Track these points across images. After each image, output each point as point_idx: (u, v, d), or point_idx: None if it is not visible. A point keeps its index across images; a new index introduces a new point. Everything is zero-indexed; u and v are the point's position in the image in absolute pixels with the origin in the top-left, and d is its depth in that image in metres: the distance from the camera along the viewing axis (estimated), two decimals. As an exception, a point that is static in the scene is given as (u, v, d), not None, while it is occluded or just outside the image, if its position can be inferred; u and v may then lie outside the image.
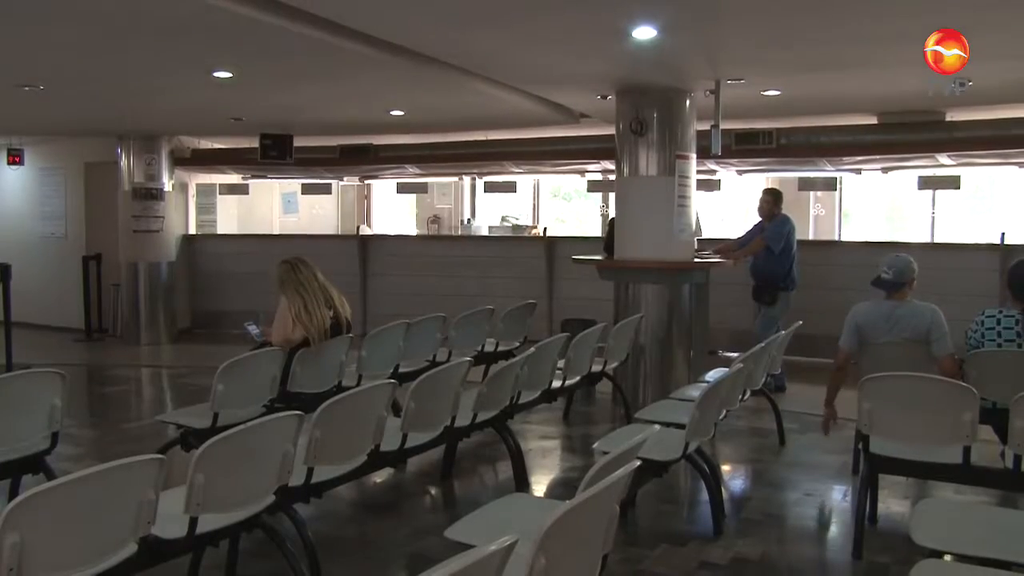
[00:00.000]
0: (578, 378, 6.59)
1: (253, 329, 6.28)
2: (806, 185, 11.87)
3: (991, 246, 9.30)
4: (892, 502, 5.30)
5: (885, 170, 10.82)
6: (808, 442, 6.77)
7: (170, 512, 3.18)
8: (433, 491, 5.86)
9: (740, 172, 11.33)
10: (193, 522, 3.27)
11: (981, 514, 4.26)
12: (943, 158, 9.95)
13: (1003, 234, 9.33)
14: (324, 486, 4.20)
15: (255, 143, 11.61)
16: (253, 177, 13.55)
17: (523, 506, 3.88)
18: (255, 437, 3.48)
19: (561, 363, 6.23)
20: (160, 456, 3.00)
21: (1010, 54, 6.56)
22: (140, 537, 3.00)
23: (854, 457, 5.80)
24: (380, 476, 5.80)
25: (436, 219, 14.52)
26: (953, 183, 10.72)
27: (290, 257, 6.06)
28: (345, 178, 14.02)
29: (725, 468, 6.38)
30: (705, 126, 7.89)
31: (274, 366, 5.53)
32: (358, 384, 5.89)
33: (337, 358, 6.04)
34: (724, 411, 5.18)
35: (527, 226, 13.47)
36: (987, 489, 5.05)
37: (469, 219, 14.36)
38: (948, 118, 9.52)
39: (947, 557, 3.28)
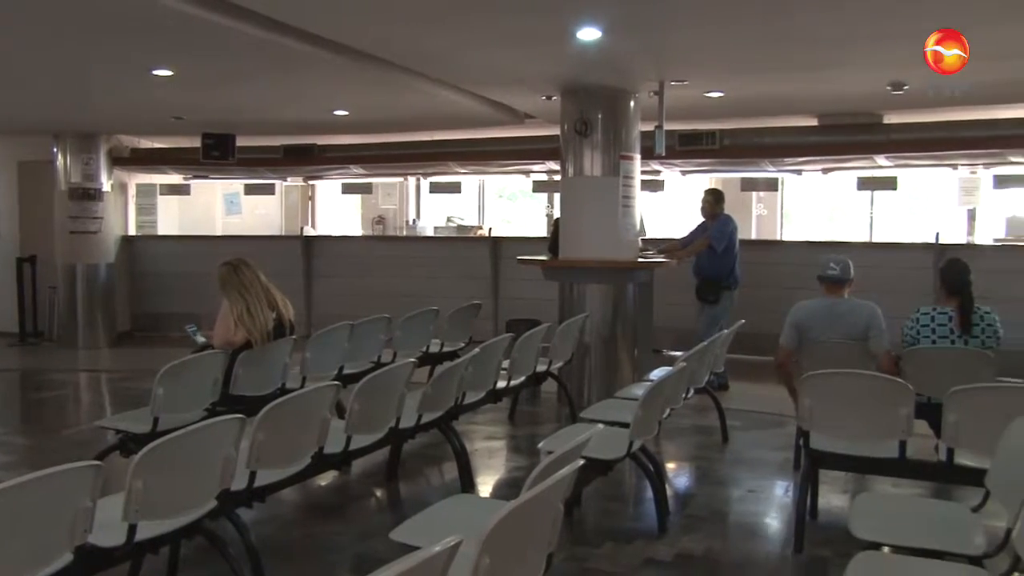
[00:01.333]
0: (523, 378, 6.60)
1: (194, 331, 6.19)
2: (749, 185, 12.02)
3: (926, 245, 9.51)
4: (832, 496, 5.39)
5: (825, 171, 11.01)
6: (751, 439, 6.86)
7: (108, 520, 3.11)
8: (378, 493, 5.82)
9: (684, 172, 11.44)
10: (132, 529, 3.21)
11: (916, 506, 4.35)
12: (881, 160, 10.16)
13: (937, 234, 9.55)
14: (267, 490, 4.14)
15: (197, 143, 11.45)
16: (195, 177, 13.34)
17: (468, 506, 3.87)
18: (196, 441, 3.42)
19: (506, 363, 6.24)
20: (97, 463, 2.94)
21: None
22: (76, 546, 2.93)
23: (795, 453, 5.89)
24: (325, 479, 5.75)
25: (381, 220, 14.43)
26: (890, 184, 10.96)
27: (232, 258, 5.98)
28: (289, 178, 13.88)
29: (670, 466, 6.44)
30: (649, 127, 7.96)
31: (216, 369, 5.45)
32: (302, 386, 5.83)
33: (280, 360, 5.97)
34: (668, 409, 5.22)
35: (472, 226, 13.45)
36: (922, 482, 5.16)
37: (414, 220, 14.30)
38: (885, 121, 9.72)
39: (884, 548, 3.34)
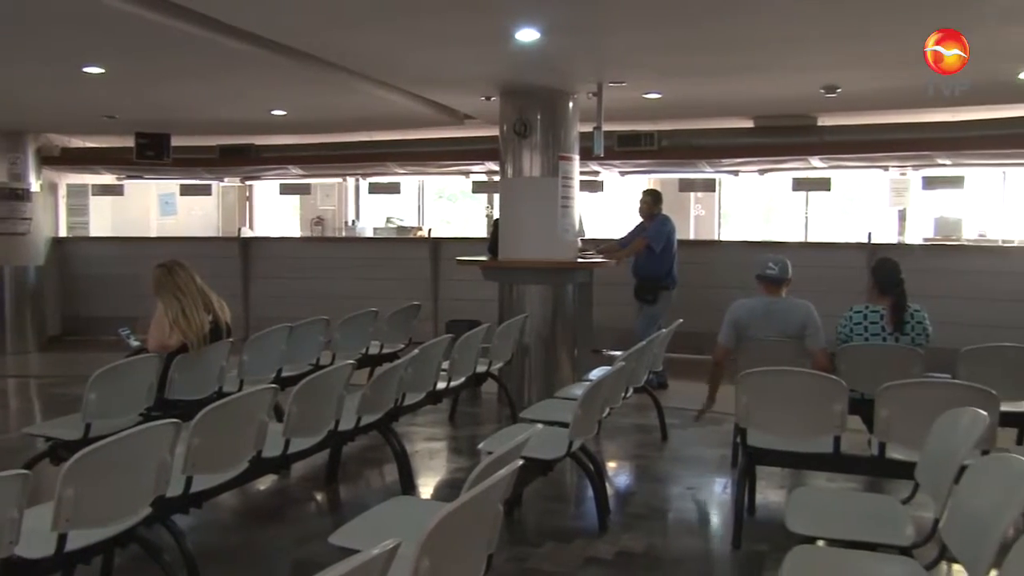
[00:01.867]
0: (463, 379, 6.59)
1: (128, 335, 6.07)
2: (686, 186, 12.16)
3: (859, 245, 9.71)
4: (769, 492, 5.47)
5: (761, 172, 11.19)
6: (690, 437, 6.94)
7: (36, 530, 3.03)
8: (318, 496, 5.76)
9: (623, 173, 11.53)
10: (62, 539, 3.13)
11: (849, 500, 4.44)
12: (815, 161, 10.36)
13: (869, 234, 9.76)
14: (204, 495, 4.07)
15: (130, 142, 11.21)
16: (128, 178, 13.08)
17: (408, 508, 3.85)
18: (129, 447, 3.35)
19: (446, 364, 6.23)
20: (24, 471, 2.86)
21: (877, 63, 6.86)
22: (1, 559, 2.85)
23: (733, 450, 5.97)
24: (263, 483, 5.67)
25: (320, 221, 14.30)
26: (824, 185, 11.19)
27: (166, 260, 5.87)
28: (226, 179, 13.69)
29: (611, 465, 6.48)
30: (588, 128, 8.00)
31: (150, 373, 5.35)
32: (240, 390, 5.75)
33: (217, 363, 5.88)
34: (607, 409, 5.25)
35: (412, 227, 13.40)
36: (856, 476, 5.27)
37: (354, 220, 14.20)
38: (819, 123, 9.91)
39: (820, 542, 3.41)
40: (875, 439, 4.37)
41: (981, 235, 11.29)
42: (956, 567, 3.93)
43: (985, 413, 3.30)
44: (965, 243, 10.74)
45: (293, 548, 4.71)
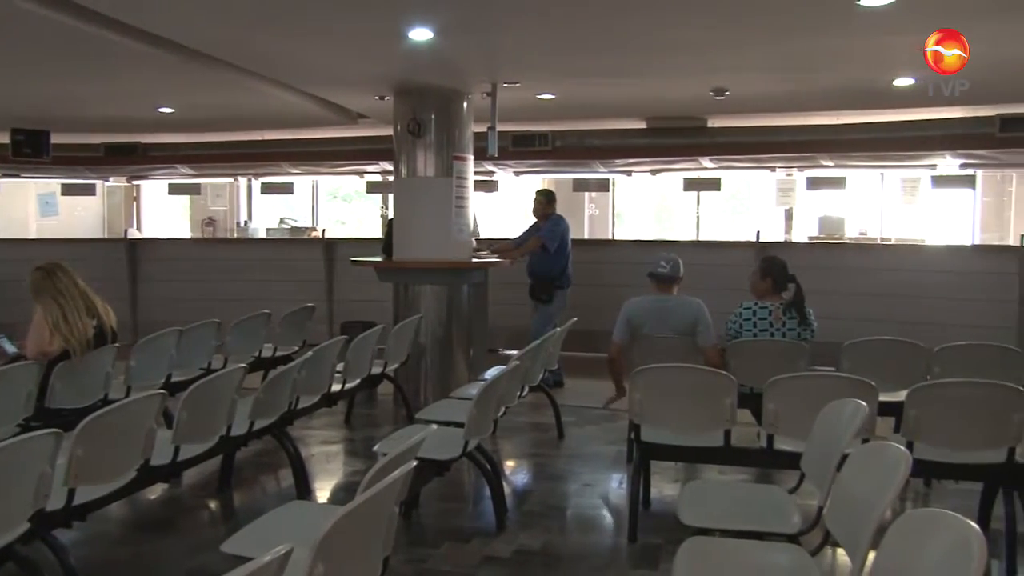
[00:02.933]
0: (358, 381, 6.52)
1: (5, 341, 5.82)
2: (580, 186, 12.33)
3: (748, 243, 9.98)
4: (664, 486, 5.57)
5: (653, 172, 11.42)
6: (586, 434, 7.01)
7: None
8: (211, 504, 5.62)
9: (517, 173, 11.61)
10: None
11: (740, 491, 4.57)
12: (706, 162, 10.62)
13: (758, 232, 10.04)
14: (88, 507, 3.92)
15: (5, 138, 10.74)
16: (5, 176, 12.53)
17: (302, 513, 3.78)
18: (5, 459, 3.20)
19: (340, 366, 6.16)
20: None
21: (765, 67, 7.07)
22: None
23: (628, 446, 6.05)
24: (153, 492, 5.50)
25: (211, 221, 13.99)
26: (714, 185, 11.50)
27: (46, 263, 5.62)
28: (111, 178, 13.29)
29: (508, 463, 6.51)
30: (482, 128, 8.02)
31: (29, 381, 5.13)
32: (127, 396, 5.56)
33: (102, 370, 5.67)
34: (503, 408, 5.27)
35: (306, 228, 13.22)
36: (747, 468, 5.41)
37: (246, 221, 13.93)
38: (709, 124, 10.16)
39: (714, 533, 3.48)
40: (763, 432, 4.50)
41: (862, 233, 11.79)
42: (840, 551, 4.09)
43: (865, 404, 3.44)
44: (847, 241, 11.19)
45: (185, 558, 4.58)
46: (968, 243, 11.69)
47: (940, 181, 10.98)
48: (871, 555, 2.50)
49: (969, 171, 10.82)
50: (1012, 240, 11.24)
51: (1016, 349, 6.08)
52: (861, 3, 4.93)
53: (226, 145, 11.63)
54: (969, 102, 8.91)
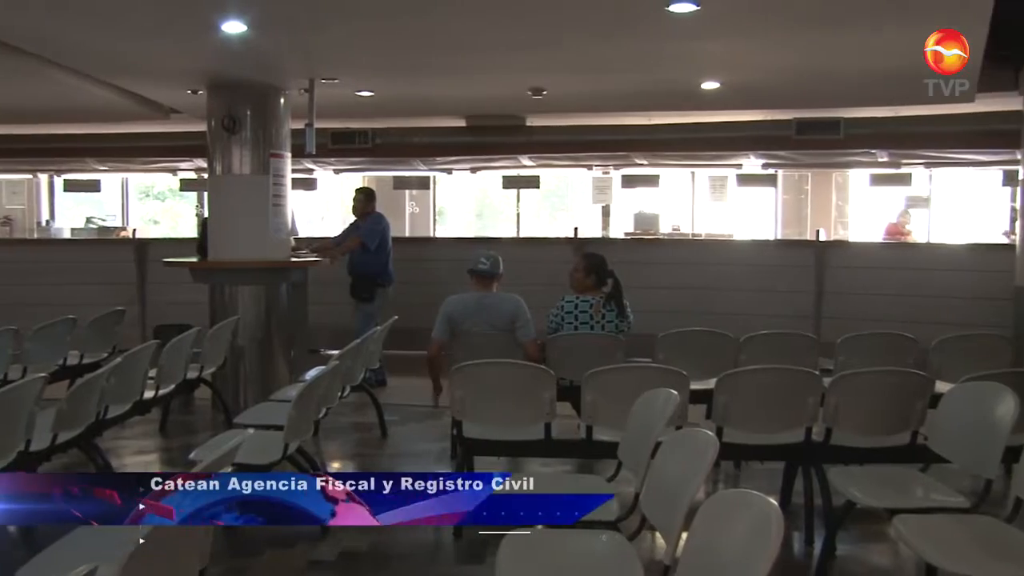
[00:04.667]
0: (173, 386, 6.27)
1: None
2: (401, 184, 12.30)
3: (567, 240, 10.21)
4: (488, 481, 5.62)
5: (474, 170, 11.53)
6: (409, 432, 7.01)
7: None
8: (10, 529, 5.24)
9: (337, 171, 11.47)
10: None
11: (561, 482, 4.65)
12: (525, 160, 10.81)
13: (576, 229, 10.29)
14: None
15: None
16: None
17: (109, 530, 3.59)
18: None
19: (153, 372, 5.90)
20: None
21: (580, 68, 7.24)
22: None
23: (452, 443, 6.07)
24: (-58, 516, 5.09)
25: (7, 221, 13.08)
26: (534, 183, 11.72)
27: None
28: None
29: (334, 465, 6.42)
30: (300, 125, 7.86)
31: None
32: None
33: None
34: (324, 409, 5.20)
35: (116, 228, 12.58)
36: (569, 459, 5.54)
37: (47, 221, 13.13)
38: (528, 123, 10.34)
39: (538, 526, 3.54)
40: (583, 423, 4.62)
41: (675, 229, 12.29)
42: (657, 534, 4.25)
43: (676, 393, 3.58)
44: (661, 237, 11.62)
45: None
46: (771, 238, 12.41)
47: (744, 180, 11.62)
48: (684, 536, 2.61)
49: (770, 171, 11.50)
50: (810, 235, 11.98)
51: (811, 335, 6.52)
52: (670, 9, 5.12)
53: (24, 139, 10.92)
54: (769, 106, 9.47)
